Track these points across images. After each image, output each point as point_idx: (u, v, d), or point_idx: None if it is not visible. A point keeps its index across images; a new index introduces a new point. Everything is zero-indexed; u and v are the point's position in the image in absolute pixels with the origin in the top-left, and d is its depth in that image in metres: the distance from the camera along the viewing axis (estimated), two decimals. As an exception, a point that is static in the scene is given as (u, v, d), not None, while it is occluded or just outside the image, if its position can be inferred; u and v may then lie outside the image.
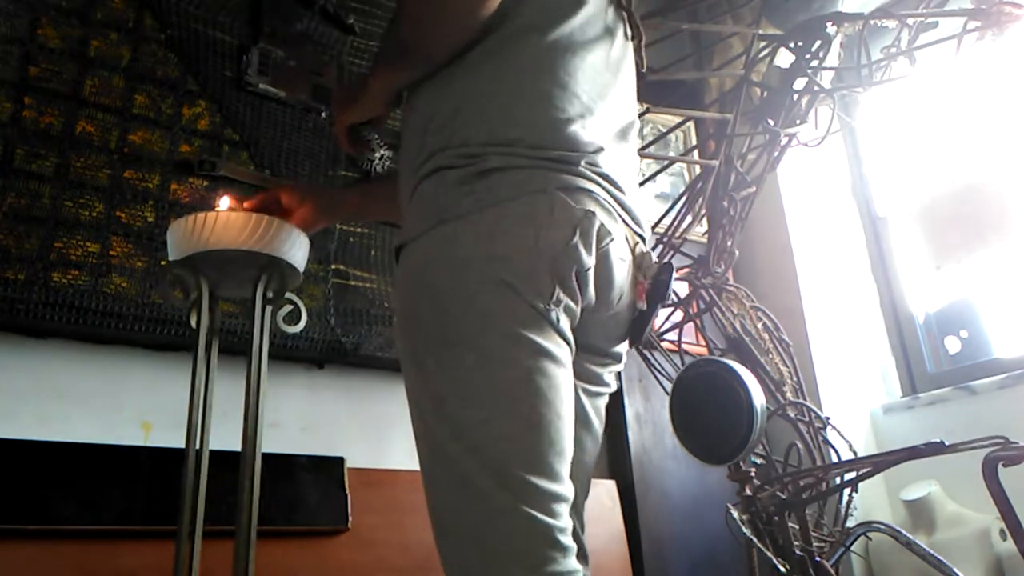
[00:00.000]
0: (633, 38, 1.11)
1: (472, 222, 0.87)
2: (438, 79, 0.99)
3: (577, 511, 1.01)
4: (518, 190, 0.87)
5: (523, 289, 0.84)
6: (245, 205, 1.23)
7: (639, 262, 0.98)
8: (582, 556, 1.00)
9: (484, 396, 0.84)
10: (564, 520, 0.83)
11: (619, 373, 1.08)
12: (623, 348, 1.05)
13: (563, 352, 0.87)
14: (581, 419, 1.00)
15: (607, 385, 1.04)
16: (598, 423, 1.04)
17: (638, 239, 0.99)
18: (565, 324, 0.87)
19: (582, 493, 1.03)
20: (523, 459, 0.82)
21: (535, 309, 0.85)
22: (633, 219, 0.98)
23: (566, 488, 0.84)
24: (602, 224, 0.89)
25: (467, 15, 0.90)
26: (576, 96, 0.94)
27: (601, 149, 0.94)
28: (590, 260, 0.87)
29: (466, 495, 0.83)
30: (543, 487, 0.81)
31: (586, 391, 1.01)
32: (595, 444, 1.05)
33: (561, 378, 0.86)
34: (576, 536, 0.98)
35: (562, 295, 0.86)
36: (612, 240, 0.90)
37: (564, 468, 0.85)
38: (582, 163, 0.91)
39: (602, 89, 0.99)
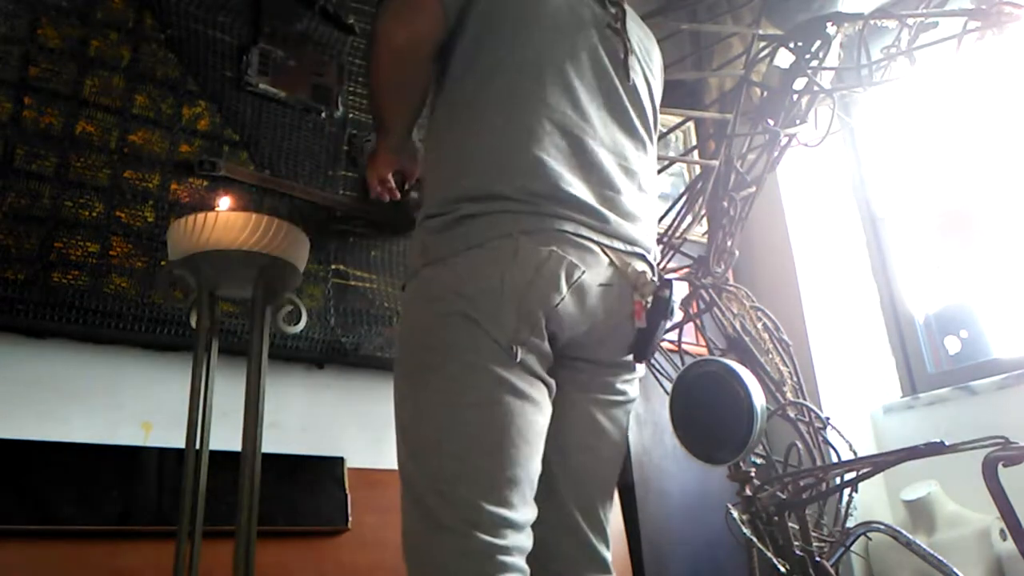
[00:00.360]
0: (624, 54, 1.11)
1: (447, 265, 0.94)
2: (431, 127, 1.08)
3: (594, 522, 1.03)
4: (486, 235, 0.93)
5: (487, 326, 0.90)
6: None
7: (635, 282, 0.99)
8: (602, 567, 1.02)
9: (441, 420, 0.91)
10: (508, 541, 0.86)
11: (638, 381, 1.11)
12: (631, 357, 1.06)
13: (528, 386, 0.92)
14: (591, 430, 1.03)
15: (622, 393, 1.07)
16: (615, 431, 1.06)
17: (633, 259, 1.01)
18: (532, 360, 0.92)
19: (600, 502, 1.05)
20: (470, 482, 0.88)
21: (498, 344, 0.90)
22: (626, 241, 1.00)
23: (517, 514, 0.88)
24: (570, 261, 0.93)
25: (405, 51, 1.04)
26: (547, 134, 0.98)
27: (576, 179, 0.97)
28: (557, 296, 0.92)
29: (417, 513, 0.90)
30: (488, 510, 0.86)
31: (597, 401, 1.04)
32: (613, 451, 1.07)
33: (521, 409, 0.91)
34: (591, 547, 1.02)
35: (525, 333, 0.91)
36: (584, 272, 0.94)
37: (516, 496, 0.89)
38: (551, 202, 0.95)
39: (581, 116, 1.01)
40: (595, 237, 0.97)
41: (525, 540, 0.90)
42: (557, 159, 0.97)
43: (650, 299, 0.99)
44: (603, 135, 1.03)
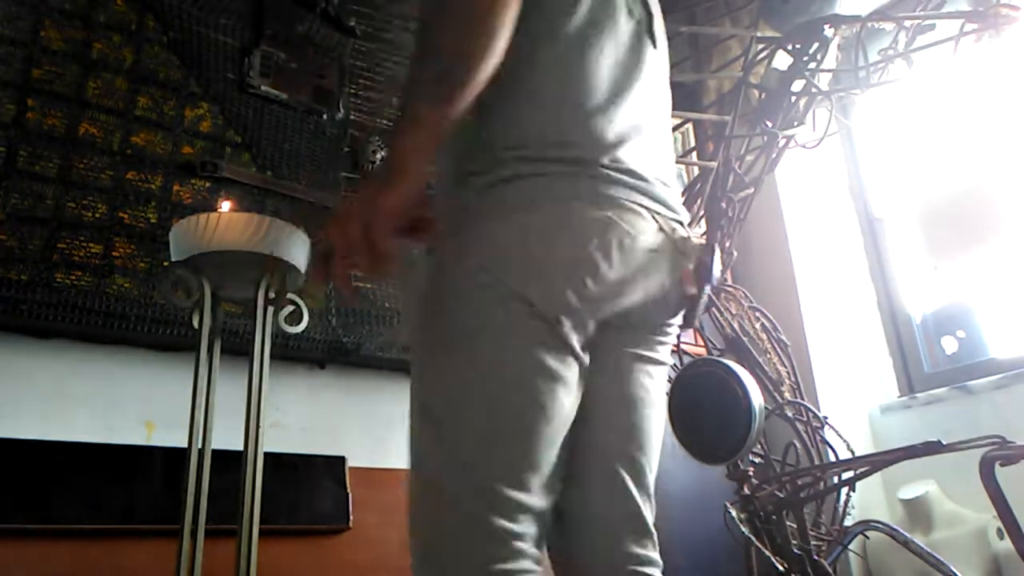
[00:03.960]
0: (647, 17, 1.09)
1: (490, 230, 0.87)
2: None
3: (643, 487, 0.97)
4: (535, 200, 0.87)
5: (532, 297, 0.84)
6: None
7: (681, 247, 0.97)
8: (651, 539, 0.96)
9: (471, 402, 0.85)
10: (523, 527, 0.83)
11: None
12: (677, 321, 1.04)
13: (564, 367, 0.87)
14: (639, 385, 0.99)
15: (660, 353, 1.03)
16: (657, 391, 1.02)
17: (675, 224, 0.99)
18: (573, 336, 0.87)
19: (648, 465, 0.99)
20: (493, 465, 0.83)
21: (542, 320, 0.85)
22: (667, 207, 0.98)
23: (534, 499, 0.85)
24: (623, 228, 0.89)
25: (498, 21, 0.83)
26: (596, 90, 0.94)
27: (624, 142, 0.93)
28: (608, 267, 0.87)
29: (432, 494, 0.85)
30: (506, 494, 0.82)
31: (643, 357, 1.00)
32: (657, 411, 1.01)
33: (554, 394, 0.86)
34: (644, 520, 0.95)
35: (574, 305, 0.86)
36: (636, 239, 0.90)
37: (535, 480, 0.85)
38: (604, 161, 0.91)
39: (622, 77, 0.98)
40: (644, 202, 0.93)
41: (539, 527, 0.86)
42: (609, 123, 0.93)
43: (693, 264, 0.97)
44: (642, 103, 1.00)
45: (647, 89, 1.03)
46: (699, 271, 0.97)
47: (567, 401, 0.89)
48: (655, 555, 0.96)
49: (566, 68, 0.94)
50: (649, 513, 0.97)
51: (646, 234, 0.93)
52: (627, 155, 0.93)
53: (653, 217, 0.95)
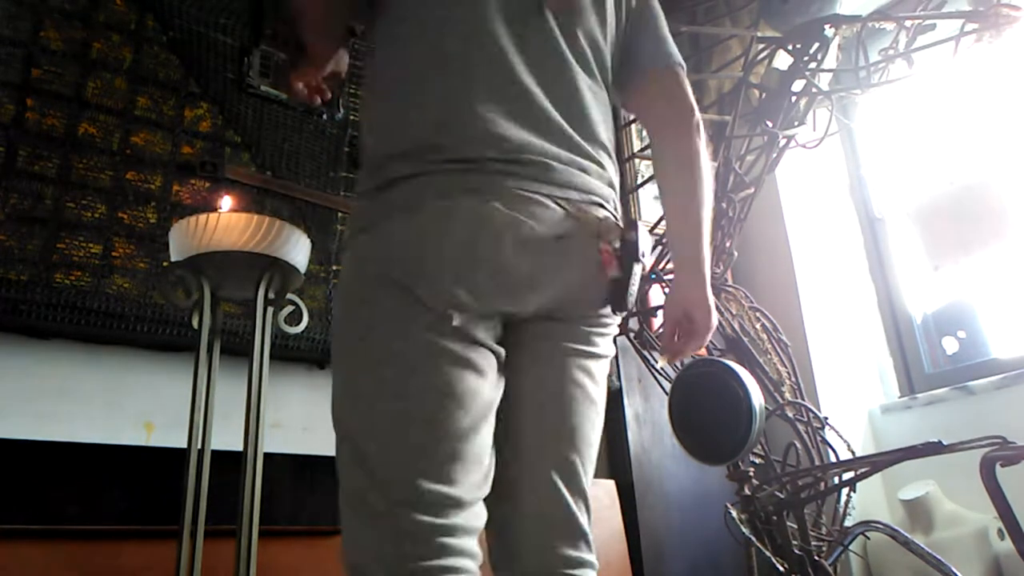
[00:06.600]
0: None
1: (377, 230, 0.88)
2: (364, 93, 1.06)
3: (575, 486, 0.94)
4: (420, 197, 0.87)
5: (420, 291, 0.84)
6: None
7: (597, 229, 0.93)
8: (585, 543, 0.94)
9: (369, 393, 0.84)
10: (452, 520, 0.81)
11: (615, 339, 1.04)
12: (608, 310, 0.99)
13: (470, 352, 0.85)
14: (569, 379, 0.96)
15: (597, 346, 0.99)
16: (592, 385, 0.98)
17: (592, 207, 0.95)
18: (474, 327, 0.86)
19: (580, 464, 0.96)
20: (406, 460, 0.81)
21: (433, 312, 0.84)
22: (578, 189, 0.94)
23: (461, 490, 0.82)
24: (517, 218, 0.87)
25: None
26: (471, 86, 0.92)
27: (514, 131, 0.91)
28: (502, 259, 0.86)
29: (346, 496, 0.85)
30: (426, 487, 0.80)
31: (574, 351, 0.96)
32: (592, 407, 0.98)
33: (460, 376, 0.84)
34: (577, 522, 0.93)
35: (465, 298, 0.85)
36: (535, 229, 0.88)
37: (458, 471, 0.82)
38: (490, 155, 0.89)
39: (506, 62, 0.94)
40: (543, 189, 0.91)
41: (474, 519, 0.83)
42: (495, 113, 0.91)
43: (618, 245, 0.93)
44: (537, 85, 0.96)
45: (543, 67, 0.98)
46: (623, 250, 0.93)
47: (483, 389, 0.86)
48: (589, 556, 0.93)
49: (437, 69, 0.93)
50: (583, 514, 0.94)
51: (548, 223, 0.90)
52: (519, 144, 0.91)
53: (557, 203, 0.91)
